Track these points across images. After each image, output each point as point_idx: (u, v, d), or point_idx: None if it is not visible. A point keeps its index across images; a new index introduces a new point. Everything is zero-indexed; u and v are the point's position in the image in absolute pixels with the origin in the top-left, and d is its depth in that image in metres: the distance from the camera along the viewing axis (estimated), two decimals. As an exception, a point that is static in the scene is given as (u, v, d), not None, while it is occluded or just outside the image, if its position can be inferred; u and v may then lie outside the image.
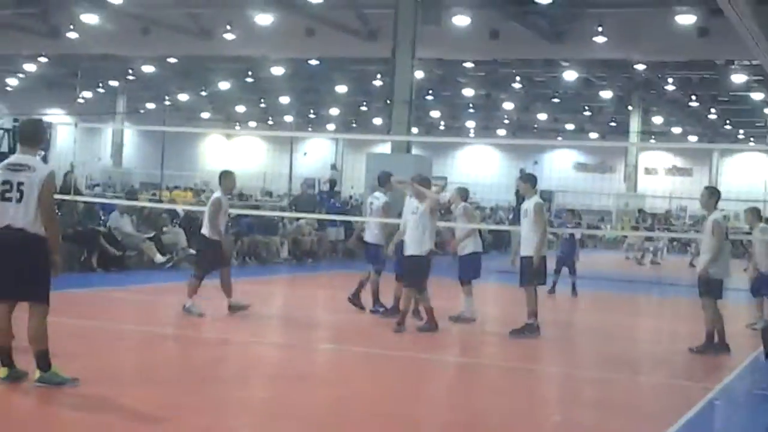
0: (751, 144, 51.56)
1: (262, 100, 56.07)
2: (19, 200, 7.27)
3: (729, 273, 11.96)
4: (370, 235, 13.64)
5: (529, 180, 12.77)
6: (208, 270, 12.50)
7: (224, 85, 49.48)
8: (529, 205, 12.38)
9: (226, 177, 12.86)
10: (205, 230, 12.54)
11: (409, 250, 12.07)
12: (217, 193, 12.79)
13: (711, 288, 11.55)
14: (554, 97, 48.23)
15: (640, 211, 40.91)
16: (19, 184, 7.31)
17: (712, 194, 11.90)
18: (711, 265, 11.52)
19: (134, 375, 8.71)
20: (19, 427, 6.66)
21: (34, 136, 7.72)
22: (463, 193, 14.01)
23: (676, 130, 52.67)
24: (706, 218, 11.86)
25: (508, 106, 50.58)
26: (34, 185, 7.29)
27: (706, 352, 11.43)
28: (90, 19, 32.44)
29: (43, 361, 7.37)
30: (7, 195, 7.31)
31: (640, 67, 38.33)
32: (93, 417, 6.88)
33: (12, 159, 7.60)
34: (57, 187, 7.61)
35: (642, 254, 32.93)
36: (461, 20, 29.35)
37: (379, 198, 13.77)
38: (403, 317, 12.00)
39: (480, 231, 15.00)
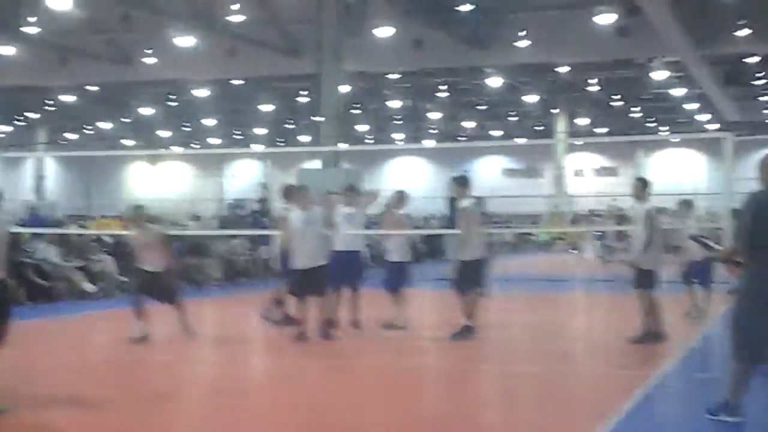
0: (673, 135, 52.46)
1: (187, 124, 55.51)
2: None
3: (661, 264, 12.03)
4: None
5: (461, 183, 12.61)
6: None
7: (147, 111, 48.90)
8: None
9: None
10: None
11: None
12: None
13: (644, 279, 11.61)
14: (480, 104, 48.53)
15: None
16: None
17: (645, 184, 11.98)
18: (643, 256, 11.57)
19: (69, 402, 8.44)
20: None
21: None
22: (403, 198, 14.04)
23: (601, 130, 53.37)
24: (638, 209, 11.88)
25: (434, 115, 50.77)
26: None
27: (643, 342, 11.48)
28: (6, 50, 31.77)
29: None
30: None
31: (563, 69, 38.74)
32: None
33: None
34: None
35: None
36: (384, 32, 29.33)
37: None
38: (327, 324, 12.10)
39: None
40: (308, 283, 12.02)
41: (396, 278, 13.42)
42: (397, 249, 13.61)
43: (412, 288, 13.88)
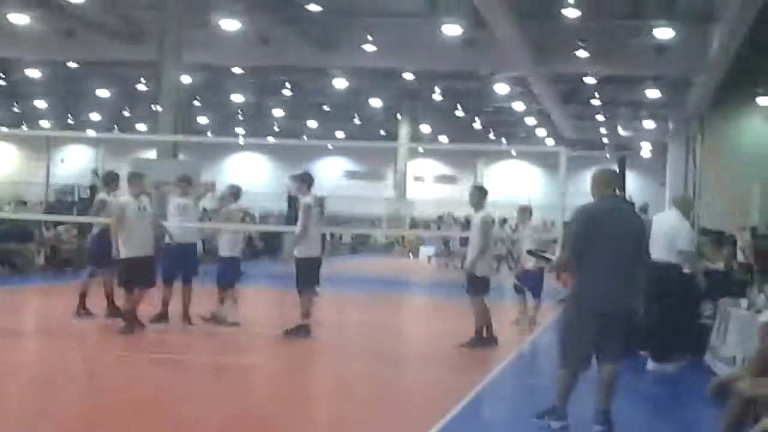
0: (510, 146, 53.85)
1: (16, 104, 53.09)
2: None
3: (494, 270, 12.16)
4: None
5: (303, 179, 12.35)
6: None
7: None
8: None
9: None
10: None
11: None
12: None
13: (478, 285, 11.67)
14: (325, 105, 48.43)
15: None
16: None
17: (482, 193, 12.05)
18: (478, 263, 11.62)
19: None
20: None
21: None
22: (236, 192, 13.72)
23: (443, 138, 54.12)
24: (475, 217, 11.91)
25: (278, 113, 50.38)
26: None
27: (475, 346, 11.53)
28: None
29: None
30: None
31: (409, 76, 39.02)
32: None
33: None
34: None
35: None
36: (230, 24, 28.74)
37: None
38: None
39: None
40: (137, 273, 11.57)
41: (227, 273, 13.08)
42: (228, 244, 13.29)
43: (248, 285, 13.55)
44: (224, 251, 13.28)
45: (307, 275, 11.97)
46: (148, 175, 13.11)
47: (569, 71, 31.57)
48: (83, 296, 13.09)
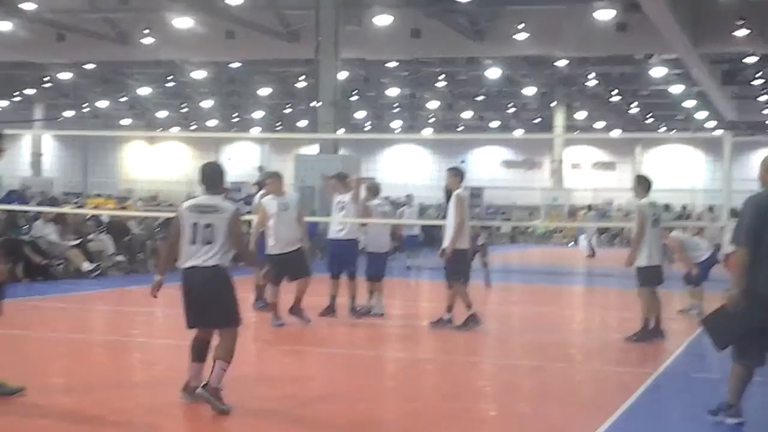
0: (673, 133, 52.47)
1: (184, 105, 55.34)
2: None
3: (662, 259, 12.02)
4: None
5: (457, 174, 12.55)
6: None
7: (144, 91, 48.75)
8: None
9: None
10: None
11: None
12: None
13: (645, 275, 11.59)
14: (478, 95, 48.47)
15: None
16: None
17: (641, 182, 11.94)
18: (640, 253, 11.56)
19: (70, 382, 8.45)
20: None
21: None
22: (374, 188, 14.18)
23: (599, 124, 53.38)
24: (637, 205, 11.84)
25: (432, 104, 50.72)
26: None
27: (641, 340, 11.47)
28: (2, 26, 31.61)
29: None
30: None
31: (562, 63, 38.72)
32: (43, 424, 6.75)
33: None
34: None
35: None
36: (383, 20, 29.31)
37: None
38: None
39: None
40: (285, 268, 12.03)
41: (374, 268, 13.52)
42: (374, 239, 13.72)
43: (400, 276, 13.86)
44: (371, 247, 13.73)
45: (457, 268, 12.17)
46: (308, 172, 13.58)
47: (728, 51, 30.74)
48: (260, 289, 13.63)
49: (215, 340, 7.33)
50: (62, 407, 7.22)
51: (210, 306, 7.19)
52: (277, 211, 12.06)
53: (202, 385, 7.12)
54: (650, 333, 11.59)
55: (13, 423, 6.77)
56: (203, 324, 7.32)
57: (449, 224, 12.17)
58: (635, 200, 11.95)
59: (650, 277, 11.60)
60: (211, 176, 7.51)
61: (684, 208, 42.33)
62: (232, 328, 7.32)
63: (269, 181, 12.59)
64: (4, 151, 7.68)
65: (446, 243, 12.11)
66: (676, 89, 42.18)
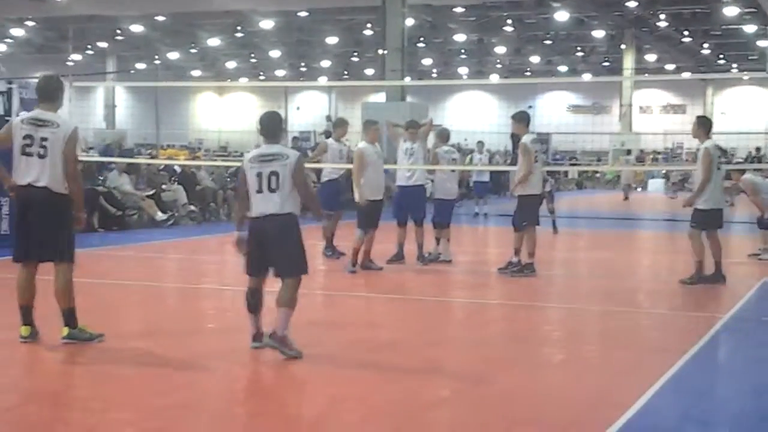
0: (745, 74, 51.28)
1: (253, 55, 55.67)
2: (42, 156, 7.29)
3: (723, 202, 11.86)
4: (322, 176, 14.49)
5: (521, 119, 12.52)
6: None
7: (213, 42, 49.16)
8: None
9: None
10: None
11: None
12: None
13: (705, 218, 11.47)
14: (546, 39, 47.91)
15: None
16: (42, 139, 7.30)
17: (702, 123, 11.81)
18: (700, 195, 11.45)
19: (147, 328, 8.73)
20: (57, 380, 6.83)
21: (55, 92, 7.61)
22: (443, 135, 14.17)
23: (670, 66, 52.42)
24: (700, 148, 11.63)
25: (500, 50, 50.29)
26: (59, 141, 7.31)
27: (697, 282, 11.39)
28: (75, -20, 32.11)
29: (71, 318, 7.49)
30: (28, 150, 7.33)
31: (632, 4, 38.04)
32: (123, 369, 6.96)
33: (33, 114, 7.51)
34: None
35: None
36: (450, -36, 29.10)
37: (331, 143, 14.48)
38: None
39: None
40: (374, 215, 12.32)
41: (442, 214, 13.63)
42: (441, 186, 13.80)
43: (469, 224, 13.94)
44: (438, 193, 13.82)
45: (527, 213, 12.25)
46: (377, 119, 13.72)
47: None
48: (330, 238, 13.91)
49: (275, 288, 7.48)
50: (139, 352, 7.45)
51: (278, 253, 7.27)
52: (376, 158, 12.36)
53: (269, 333, 7.30)
54: (710, 277, 11.48)
55: (96, 370, 7.02)
56: (266, 271, 7.42)
57: (518, 171, 12.23)
58: (698, 143, 11.80)
59: (710, 221, 11.50)
60: (270, 126, 7.57)
61: (758, 150, 41.52)
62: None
63: (369, 129, 12.72)
64: (61, 99, 7.70)
65: (512, 187, 12.22)
66: (749, 28, 41.19)
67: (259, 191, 7.27)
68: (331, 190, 13.94)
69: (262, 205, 7.29)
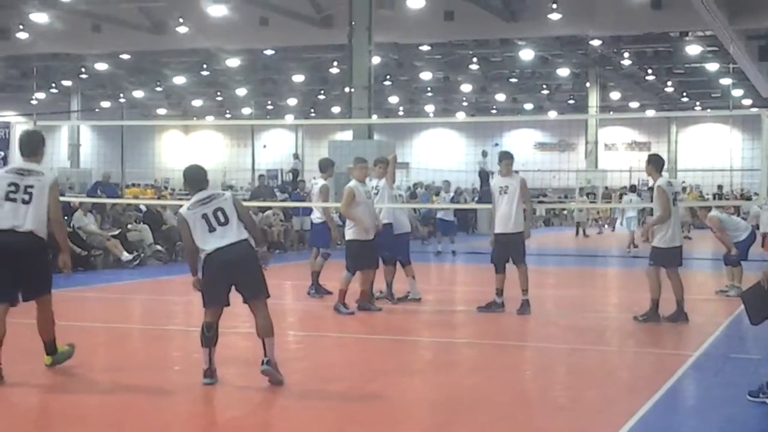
0: (708, 112, 51.94)
1: (219, 94, 55.60)
2: (27, 202, 7.67)
3: (681, 239, 11.89)
4: (315, 217, 14.31)
5: (654, 162, 11.84)
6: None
7: (179, 80, 49.07)
8: (511, 181, 12.39)
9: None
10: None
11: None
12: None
13: (658, 256, 11.46)
14: (512, 77, 48.31)
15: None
16: (28, 187, 7.71)
17: (653, 161, 11.78)
18: (658, 233, 11.46)
19: (113, 367, 8.59)
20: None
21: (37, 146, 8.15)
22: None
23: (634, 104, 53.02)
24: (655, 186, 11.64)
25: (465, 88, 50.58)
26: (44, 189, 7.74)
27: (650, 320, 11.37)
28: (39, 18, 31.91)
29: (53, 347, 8.16)
30: (12, 196, 7.69)
31: (596, 42, 38.47)
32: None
33: (18, 165, 8.04)
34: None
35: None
36: (416, 3, 29.26)
37: (318, 182, 14.38)
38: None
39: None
40: (365, 255, 12.14)
41: (402, 250, 13.51)
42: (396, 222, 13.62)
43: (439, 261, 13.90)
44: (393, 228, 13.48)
45: (517, 250, 12.30)
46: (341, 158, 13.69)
47: (765, 26, 30.35)
48: (316, 276, 13.85)
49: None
50: (106, 389, 7.36)
51: (246, 277, 7.55)
52: (365, 197, 12.22)
53: (266, 361, 7.55)
54: (671, 316, 11.42)
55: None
56: (225, 302, 7.65)
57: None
58: (651, 181, 11.83)
59: (670, 258, 11.47)
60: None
61: (720, 188, 41.90)
62: (263, 299, 7.68)
63: (359, 166, 12.55)
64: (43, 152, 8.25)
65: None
66: (712, 66, 41.77)
67: (212, 230, 7.53)
68: (326, 228, 13.86)
69: (220, 239, 7.51)
